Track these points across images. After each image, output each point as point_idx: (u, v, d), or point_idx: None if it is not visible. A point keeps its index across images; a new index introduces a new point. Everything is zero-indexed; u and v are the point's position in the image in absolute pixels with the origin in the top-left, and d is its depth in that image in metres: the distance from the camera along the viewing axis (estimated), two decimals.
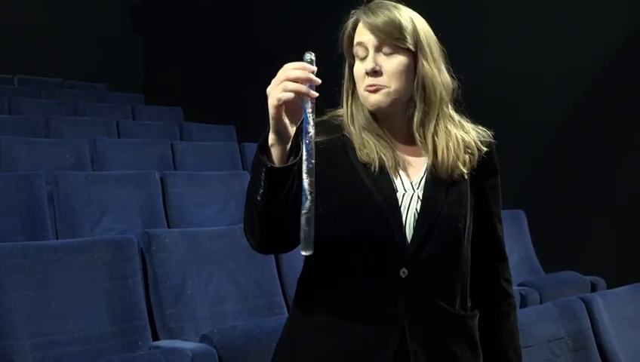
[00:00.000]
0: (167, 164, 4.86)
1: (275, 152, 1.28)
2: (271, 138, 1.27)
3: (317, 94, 1.24)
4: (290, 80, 1.23)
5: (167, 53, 8.29)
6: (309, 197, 1.22)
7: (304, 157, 1.22)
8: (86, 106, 6.28)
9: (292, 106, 1.24)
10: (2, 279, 2.29)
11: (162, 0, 8.52)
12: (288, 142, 1.28)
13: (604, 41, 4.70)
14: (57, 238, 3.37)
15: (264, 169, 1.27)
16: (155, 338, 2.57)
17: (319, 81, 1.24)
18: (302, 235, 1.22)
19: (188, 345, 2.16)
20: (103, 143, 4.68)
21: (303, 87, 1.23)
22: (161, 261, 2.70)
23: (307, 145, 1.23)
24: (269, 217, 1.31)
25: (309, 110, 1.24)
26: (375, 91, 1.41)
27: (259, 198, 1.29)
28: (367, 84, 1.42)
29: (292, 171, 1.27)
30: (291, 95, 1.22)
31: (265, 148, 1.29)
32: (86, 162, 4.52)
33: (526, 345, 1.77)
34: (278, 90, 1.23)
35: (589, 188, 4.70)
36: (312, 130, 1.23)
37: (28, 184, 3.42)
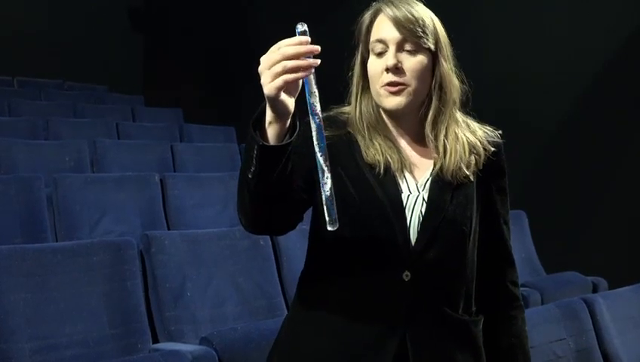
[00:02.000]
0: (167, 165, 4.85)
1: (271, 131, 1.23)
2: (269, 116, 1.23)
3: (319, 61, 1.19)
4: (289, 58, 1.18)
5: (167, 54, 8.28)
6: (327, 173, 1.19)
7: (315, 134, 1.19)
8: (85, 108, 6.27)
9: (291, 83, 1.20)
10: (1, 282, 2.28)
11: (162, 1, 8.52)
12: (288, 119, 1.23)
13: (605, 42, 4.69)
14: (57, 240, 3.36)
15: (256, 147, 1.22)
16: (155, 340, 2.56)
17: (319, 48, 1.19)
18: (325, 212, 1.20)
19: (188, 348, 2.15)
20: (103, 145, 4.67)
21: (303, 62, 1.17)
22: (160, 263, 2.69)
23: (316, 120, 1.19)
24: (259, 196, 1.28)
25: (313, 84, 1.20)
26: (397, 93, 1.38)
27: (250, 176, 1.25)
28: (388, 81, 1.38)
29: (286, 151, 1.23)
30: (296, 75, 1.17)
31: (258, 125, 1.24)
32: (86, 164, 4.51)
33: None
34: (277, 70, 1.17)
35: (590, 188, 4.69)
36: (317, 103, 1.19)
37: (27, 186, 3.41)
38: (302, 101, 1.23)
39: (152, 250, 2.70)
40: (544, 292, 3.44)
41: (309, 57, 1.19)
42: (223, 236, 2.92)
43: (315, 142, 1.20)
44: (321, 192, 1.21)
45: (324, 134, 1.31)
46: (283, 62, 1.17)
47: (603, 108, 4.67)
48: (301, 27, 1.20)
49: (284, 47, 1.18)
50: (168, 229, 3.70)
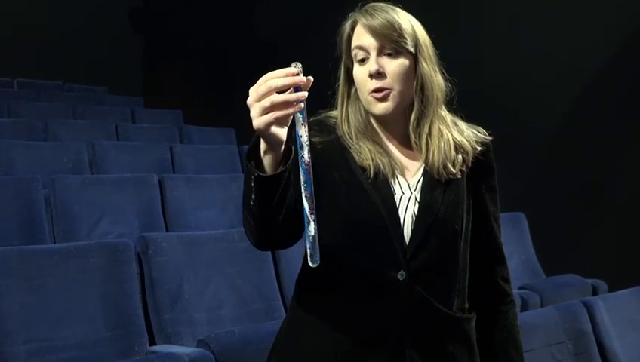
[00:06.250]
0: (166, 167, 4.84)
1: (267, 160, 1.25)
2: (263, 146, 1.24)
3: (306, 94, 1.19)
4: (276, 90, 1.17)
5: (167, 55, 8.28)
6: (311, 220, 1.18)
7: (302, 180, 1.19)
8: (85, 109, 6.26)
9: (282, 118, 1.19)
10: None
11: (162, 2, 8.52)
12: (281, 148, 1.24)
13: (604, 43, 4.68)
14: (55, 242, 3.35)
15: (253, 177, 1.24)
16: (152, 343, 2.55)
17: (304, 80, 1.18)
18: (308, 253, 1.19)
19: (185, 350, 2.15)
20: (102, 146, 4.66)
21: (291, 97, 1.17)
22: (158, 265, 2.68)
23: (305, 169, 1.18)
24: (263, 219, 1.30)
25: (300, 120, 1.18)
26: (383, 99, 1.41)
27: (252, 203, 1.28)
28: (373, 87, 1.41)
29: (283, 178, 1.25)
30: (286, 112, 1.16)
31: (253, 155, 1.26)
32: (85, 165, 4.50)
33: (527, 349, 1.75)
34: (265, 105, 1.16)
35: (589, 190, 4.68)
36: (307, 153, 1.18)
37: (25, 187, 3.40)
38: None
39: (150, 251, 2.69)
40: (543, 295, 3.44)
41: (299, 89, 1.18)
42: (221, 238, 2.91)
43: (302, 183, 1.19)
44: (308, 235, 1.19)
45: (316, 139, 1.30)
46: (271, 96, 1.17)
47: (603, 110, 4.67)
48: (294, 66, 1.19)
49: (271, 79, 1.17)
50: (167, 231, 3.69)
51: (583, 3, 4.79)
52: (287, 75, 1.18)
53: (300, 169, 1.19)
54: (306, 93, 1.18)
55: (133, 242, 2.69)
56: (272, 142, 1.22)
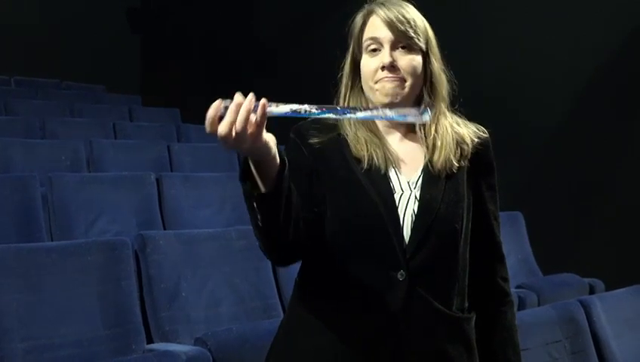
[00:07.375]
0: (164, 165, 4.83)
1: (262, 175, 1.24)
2: (254, 163, 1.24)
3: (251, 95, 1.18)
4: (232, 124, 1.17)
5: (165, 54, 8.27)
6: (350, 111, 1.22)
7: (329, 114, 1.21)
8: (83, 107, 6.25)
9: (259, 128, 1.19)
10: None
11: (160, 0, 8.51)
12: (272, 155, 1.22)
13: (604, 43, 4.69)
14: (52, 240, 3.35)
15: (253, 198, 1.24)
16: (149, 341, 2.55)
17: (240, 98, 1.18)
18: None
19: (182, 348, 2.14)
20: (100, 145, 4.66)
21: (245, 109, 1.16)
22: (155, 263, 2.68)
23: (322, 111, 1.20)
24: (275, 237, 1.31)
25: (287, 107, 1.19)
26: (393, 80, 1.41)
27: (260, 224, 1.28)
28: (384, 77, 1.41)
29: (283, 191, 1.24)
30: (259, 117, 1.16)
31: (247, 176, 1.25)
32: (82, 164, 4.49)
33: (523, 347, 1.75)
34: (239, 132, 1.17)
35: (587, 189, 4.69)
36: (313, 106, 1.19)
37: (22, 185, 3.40)
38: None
39: (147, 249, 2.69)
40: (541, 294, 3.44)
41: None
42: (218, 236, 2.91)
43: (330, 113, 1.21)
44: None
45: (314, 140, 1.31)
46: (234, 125, 1.17)
47: (601, 110, 4.67)
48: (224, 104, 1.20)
49: (225, 125, 1.19)
50: (164, 229, 3.68)
51: (583, 3, 4.79)
52: (237, 107, 1.18)
53: (322, 115, 1.20)
54: (251, 95, 1.18)
55: (130, 240, 2.69)
56: (265, 152, 1.21)
